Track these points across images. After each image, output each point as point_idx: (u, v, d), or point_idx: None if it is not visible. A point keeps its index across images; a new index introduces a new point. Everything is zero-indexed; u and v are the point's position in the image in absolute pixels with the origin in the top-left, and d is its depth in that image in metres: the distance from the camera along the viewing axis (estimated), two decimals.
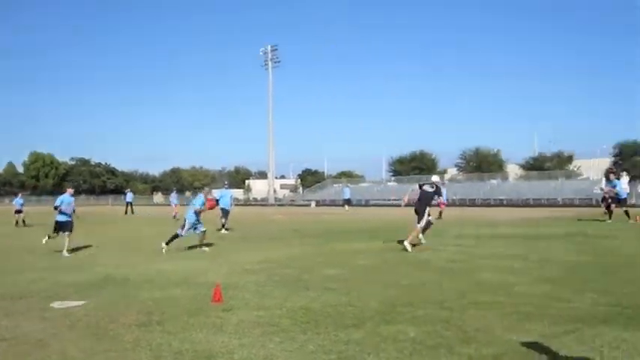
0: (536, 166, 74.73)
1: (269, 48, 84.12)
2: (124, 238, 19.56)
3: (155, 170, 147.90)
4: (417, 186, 14.94)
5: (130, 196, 46.68)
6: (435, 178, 15.35)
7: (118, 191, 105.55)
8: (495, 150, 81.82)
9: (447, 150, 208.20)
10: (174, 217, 32.73)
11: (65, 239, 14.65)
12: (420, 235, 14.73)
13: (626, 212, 22.78)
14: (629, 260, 11.38)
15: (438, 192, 14.73)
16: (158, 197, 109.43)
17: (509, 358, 5.04)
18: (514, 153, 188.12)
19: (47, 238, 15.33)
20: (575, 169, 73.26)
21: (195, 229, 14.71)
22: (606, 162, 69.56)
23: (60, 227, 14.94)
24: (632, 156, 67.73)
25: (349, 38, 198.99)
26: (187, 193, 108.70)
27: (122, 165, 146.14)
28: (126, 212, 44.13)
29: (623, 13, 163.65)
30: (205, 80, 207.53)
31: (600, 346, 5.33)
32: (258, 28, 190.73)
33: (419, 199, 14.58)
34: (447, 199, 30.38)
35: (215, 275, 10.17)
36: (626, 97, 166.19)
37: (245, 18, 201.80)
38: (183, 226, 14.62)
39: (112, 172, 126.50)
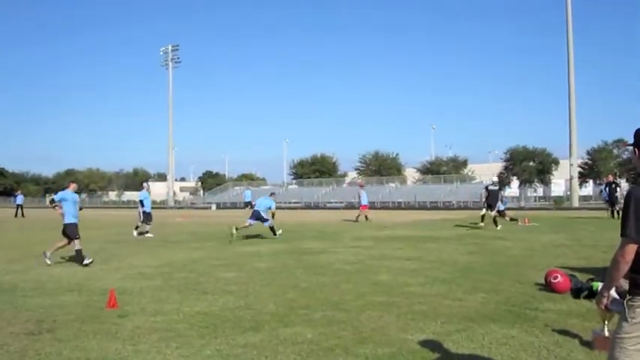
0: (432, 170, 76.70)
1: (169, 47, 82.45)
2: (14, 243, 18.54)
3: (48, 171, 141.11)
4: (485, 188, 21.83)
5: (20, 199, 45.27)
6: (495, 178, 22.37)
7: (8, 193, 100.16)
8: (394, 154, 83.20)
9: (348, 153, 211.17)
10: None
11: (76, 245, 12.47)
12: (481, 223, 21.10)
13: (511, 218, 23.75)
14: (517, 260, 11.91)
15: (501, 188, 20.89)
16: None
17: (404, 357, 5.14)
18: (412, 157, 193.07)
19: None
20: (470, 173, 75.78)
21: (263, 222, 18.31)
22: (498, 166, 72.57)
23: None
24: (522, 161, 70.68)
25: (251, 42, 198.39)
26: (83, 196, 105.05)
27: (12, 165, 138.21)
28: (16, 215, 42.21)
29: (514, 18, 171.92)
30: (102, 79, 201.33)
31: (489, 343, 5.54)
32: (159, 28, 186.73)
33: (488, 196, 21.33)
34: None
35: (110, 280, 9.84)
36: (518, 104, 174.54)
37: (145, 17, 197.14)
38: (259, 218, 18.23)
39: (1, 172, 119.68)
